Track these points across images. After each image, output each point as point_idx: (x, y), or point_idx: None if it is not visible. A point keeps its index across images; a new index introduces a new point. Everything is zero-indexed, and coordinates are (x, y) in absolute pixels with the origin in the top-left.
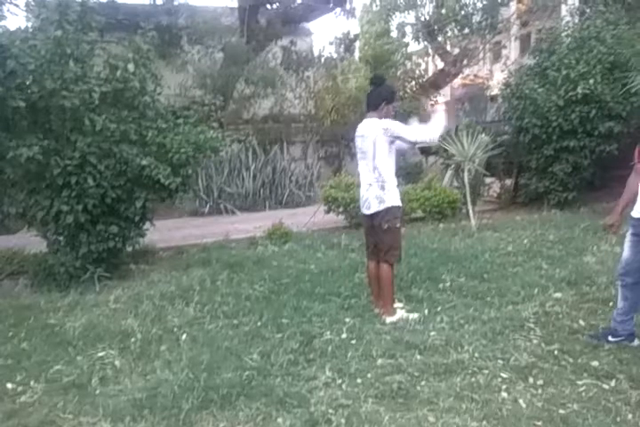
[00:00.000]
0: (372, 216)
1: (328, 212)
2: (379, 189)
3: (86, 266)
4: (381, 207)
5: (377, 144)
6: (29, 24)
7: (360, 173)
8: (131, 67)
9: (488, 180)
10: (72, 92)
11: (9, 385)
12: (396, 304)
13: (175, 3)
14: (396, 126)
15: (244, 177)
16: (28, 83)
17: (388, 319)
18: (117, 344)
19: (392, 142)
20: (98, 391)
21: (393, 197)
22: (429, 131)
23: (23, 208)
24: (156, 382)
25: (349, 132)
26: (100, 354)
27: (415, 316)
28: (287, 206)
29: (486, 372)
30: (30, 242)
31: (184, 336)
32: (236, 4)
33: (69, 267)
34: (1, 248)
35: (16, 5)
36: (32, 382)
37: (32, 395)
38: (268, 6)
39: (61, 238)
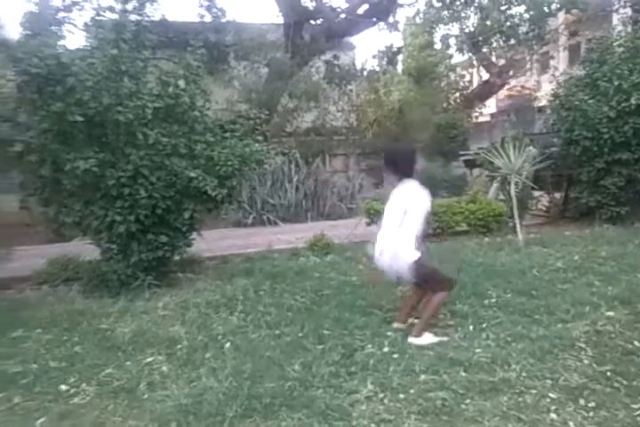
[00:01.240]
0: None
1: (370, 224)
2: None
3: (137, 274)
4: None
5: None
6: (87, 43)
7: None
8: (182, 83)
9: (536, 193)
10: (126, 108)
11: (63, 387)
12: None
13: (223, 20)
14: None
15: (286, 189)
16: (85, 99)
17: (416, 341)
18: (165, 350)
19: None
20: (146, 396)
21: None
22: None
23: (79, 217)
24: (201, 389)
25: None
26: (149, 359)
27: (445, 339)
28: (329, 218)
29: (534, 392)
30: (84, 250)
31: (228, 345)
32: (281, 21)
33: (121, 274)
34: (57, 255)
35: (74, 25)
36: (84, 385)
37: (84, 397)
38: (313, 22)
39: (114, 247)
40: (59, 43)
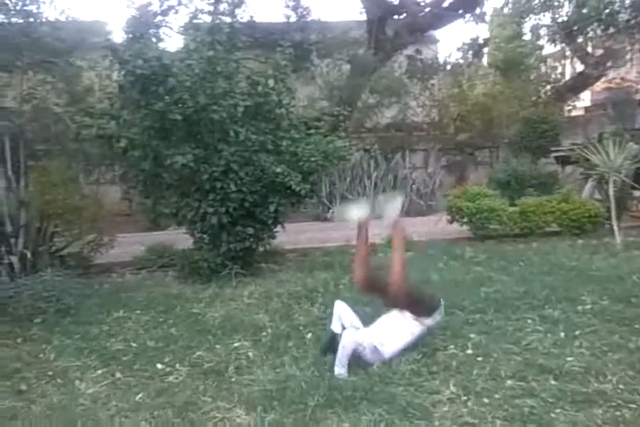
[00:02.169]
0: None
1: (452, 222)
2: None
3: (225, 262)
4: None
5: None
6: (184, 45)
7: None
8: (271, 82)
9: (636, 193)
10: (220, 107)
11: (159, 366)
12: None
13: (307, 19)
14: None
15: (365, 185)
16: (184, 98)
17: None
18: (251, 337)
19: None
20: (233, 379)
21: None
22: None
23: (175, 209)
24: (284, 376)
25: (475, 140)
26: (236, 344)
27: None
28: (408, 215)
29: (633, 406)
30: (178, 239)
31: (309, 335)
32: (364, 17)
33: (211, 263)
34: (154, 243)
35: (170, 28)
36: (177, 365)
37: (177, 377)
38: (396, 17)
39: (206, 237)
40: (159, 45)
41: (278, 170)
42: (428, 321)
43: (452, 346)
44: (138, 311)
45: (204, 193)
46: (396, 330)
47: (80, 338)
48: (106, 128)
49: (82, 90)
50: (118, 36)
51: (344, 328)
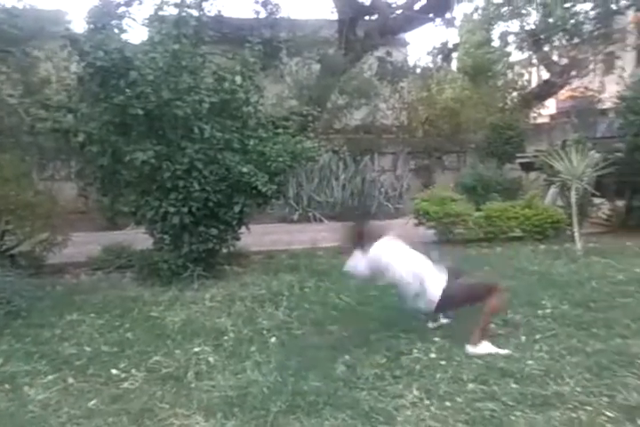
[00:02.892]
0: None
1: (418, 225)
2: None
3: (187, 264)
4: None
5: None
6: (149, 37)
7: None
8: (238, 79)
9: (597, 200)
10: (185, 102)
11: (114, 371)
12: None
13: (277, 16)
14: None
15: (333, 186)
16: (146, 92)
17: (471, 350)
18: (212, 341)
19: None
20: (193, 385)
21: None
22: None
23: (134, 207)
24: (246, 382)
25: (442, 145)
26: (196, 349)
27: (504, 352)
28: (375, 218)
29: (589, 408)
30: (137, 239)
31: (273, 339)
32: (335, 17)
33: (172, 264)
34: (110, 243)
35: (134, 20)
36: (134, 371)
37: (133, 382)
38: (367, 18)
39: (166, 237)
40: (121, 37)
41: (244, 170)
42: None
43: (416, 350)
44: (92, 314)
45: (166, 192)
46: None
47: (31, 342)
48: (62, 122)
49: (38, 81)
50: (79, 27)
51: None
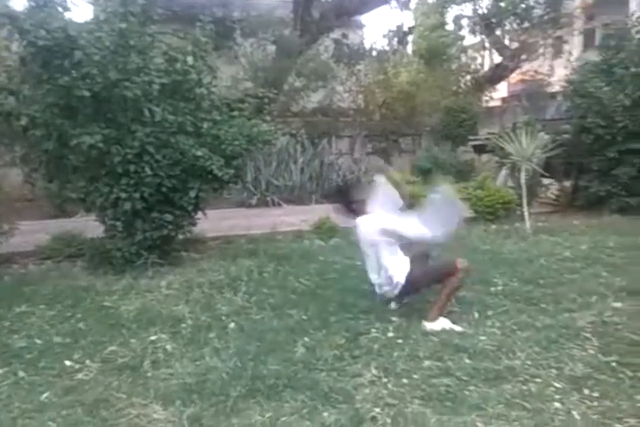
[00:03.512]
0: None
1: None
2: (387, 285)
3: (141, 252)
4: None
5: (377, 246)
6: (94, 16)
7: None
8: (190, 59)
9: (546, 181)
10: (133, 83)
11: (67, 362)
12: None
13: None
14: (394, 225)
15: (291, 170)
16: (92, 73)
17: (428, 326)
18: (169, 329)
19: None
20: (150, 374)
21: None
22: (432, 229)
23: (83, 193)
24: (205, 369)
25: (399, 128)
26: (153, 338)
27: (459, 329)
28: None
29: (539, 380)
30: (87, 226)
31: (232, 325)
32: None
33: (125, 252)
34: (60, 231)
35: None
36: (88, 361)
37: (88, 373)
38: None
39: (118, 224)
40: (65, 15)
41: (199, 153)
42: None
43: (374, 330)
44: (42, 306)
45: (116, 177)
46: None
47: None
48: (4, 104)
49: None
50: (19, 4)
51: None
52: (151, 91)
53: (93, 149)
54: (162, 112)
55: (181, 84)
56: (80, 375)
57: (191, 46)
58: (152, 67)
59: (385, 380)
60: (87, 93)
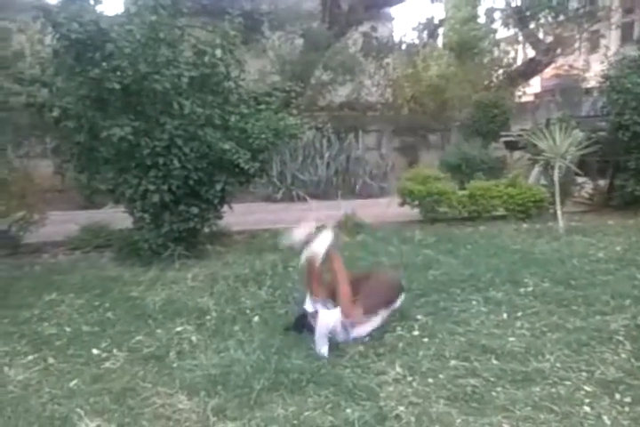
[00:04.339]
0: None
1: (403, 204)
2: None
3: (167, 244)
4: None
5: None
6: (125, 9)
7: None
8: (218, 52)
9: (580, 179)
10: (163, 76)
11: (95, 351)
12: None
13: None
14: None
15: (317, 165)
16: (123, 66)
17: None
18: (194, 321)
19: None
20: (175, 364)
21: None
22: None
23: (113, 185)
24: (229, 361)
25: (428, 122)
26: (178, 329)
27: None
28: (359, 197)
29: (568, 383)
30: (115, 218)
31: (256, 318)
32: None
33: (152, 244)
34: (89, 222)
35: None
36: (115, 350)
37: (115, 362)
38: None
39: (146, 216)
40: (97, 8)
41: (226, 146)
42: (395, 305)
43: (400, 328)
44: (72, 294)
45: (145, 169)
46: None
47: (9, 322)
48: (37, 96)
49: (11, 54)
50: None
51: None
52: (180, 84)
53: (123, 141)
54: (190, 105)
55: (210, 77)
56: (107, 364)
57: (219, 39)
58: (181, 60)
59: (410, 378)
60: (117, 86)
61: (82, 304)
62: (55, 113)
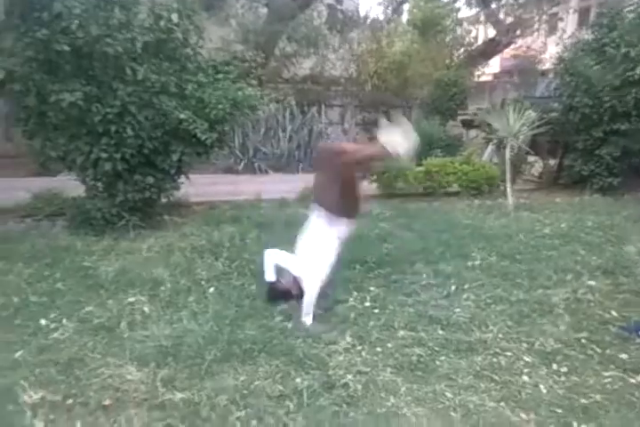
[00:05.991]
0: None
1: (362, 179)
2: None
3: (122, 213)
4: None
5: None
6: None
7: None
8: (174, 17)
9: (531, 158)
10: (116, 40)
11: (43, 321)
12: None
13: None
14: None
15: (279, 137)
16: (73, 27)
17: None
18: (148, 291)
19: None
20: (126, 335)
21: None
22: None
23: (63, 152)
24: (181, 332)
25: (390, 99)
26: (131, 299)
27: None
28: None
29: (509, 354)
30: (69, 185)
31: (211, 290)
32: None
33: (106, 213)
34: (42, 190)
35: None
36: (64, 321)
37: (63, 333)
38: None
39: (99, 185)
40: None
41: (182, 116)
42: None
43: (352, 299)
44: (20, 264)
45: (97, 136)
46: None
47: None
48: None
49: None
50: None
51: (278, 278)
52: (134, 48)
53: (73, 106)
54: (144, 71)
55: (166, 42)
56: (55, 335)
57: (177, 4)
58: (135, 23)
59: (359, 348)
60: (67, 48)
61: (31, 274)
62: (0, 75)
